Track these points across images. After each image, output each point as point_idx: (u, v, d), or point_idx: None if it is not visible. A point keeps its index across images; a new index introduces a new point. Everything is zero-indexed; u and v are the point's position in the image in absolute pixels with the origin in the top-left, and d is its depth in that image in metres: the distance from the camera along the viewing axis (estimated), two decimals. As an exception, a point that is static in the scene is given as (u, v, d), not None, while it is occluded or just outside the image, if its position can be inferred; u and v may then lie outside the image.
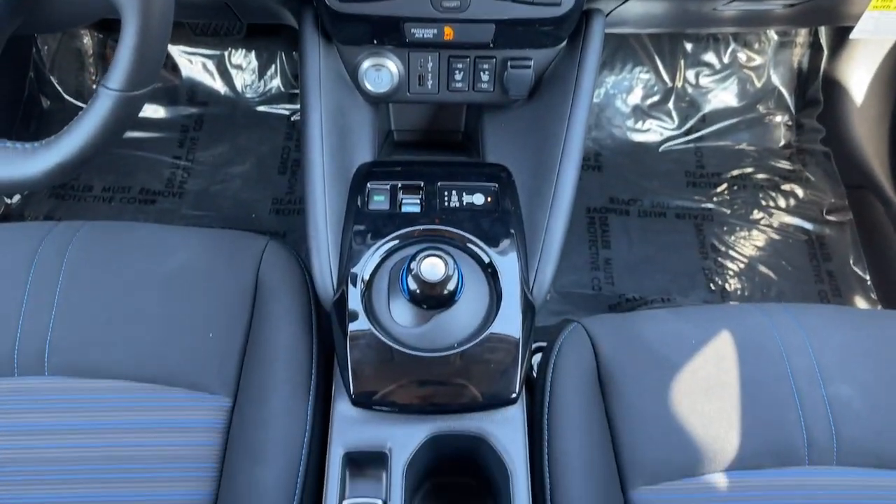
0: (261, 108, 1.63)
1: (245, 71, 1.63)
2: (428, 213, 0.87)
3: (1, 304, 0.85)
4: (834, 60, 1.55)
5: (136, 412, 0.81)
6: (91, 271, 0.88)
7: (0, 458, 0.79)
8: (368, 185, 0.89)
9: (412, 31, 0.86)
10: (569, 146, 0.90)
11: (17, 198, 1.49)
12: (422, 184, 0.89)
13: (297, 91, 1.63)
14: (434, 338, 0.77)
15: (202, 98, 1.62)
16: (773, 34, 1.61)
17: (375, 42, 0.89)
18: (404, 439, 0.77)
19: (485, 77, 0.93)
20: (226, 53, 1.62)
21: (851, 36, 1.00)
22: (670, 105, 1.63)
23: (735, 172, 1.59)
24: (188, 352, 0.84)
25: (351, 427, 0.78)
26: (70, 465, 0.79)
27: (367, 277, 0.80)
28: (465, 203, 0.88)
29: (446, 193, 0.88)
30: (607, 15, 0.97)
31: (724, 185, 1.57)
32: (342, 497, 0.74)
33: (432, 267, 0.73)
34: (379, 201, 0.88)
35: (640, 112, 1.63)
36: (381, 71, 0.91)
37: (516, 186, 0.91)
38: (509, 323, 0.78)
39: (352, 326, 0.77)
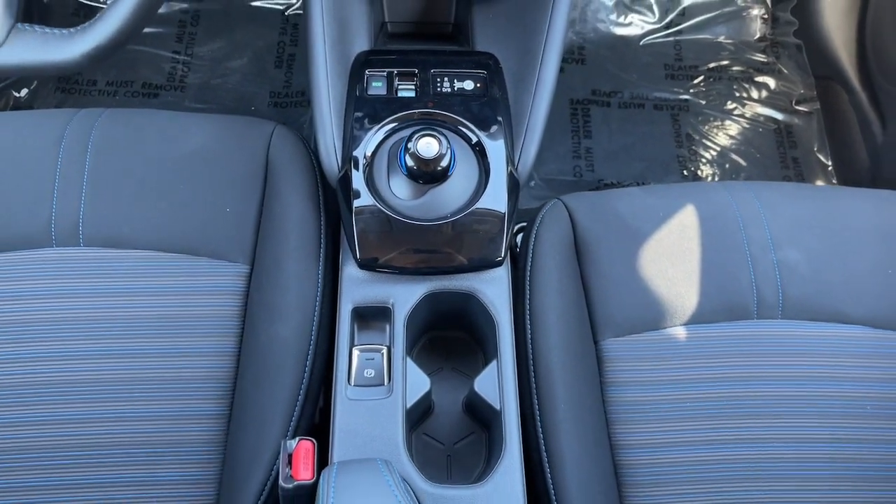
0: (255, 3, 1.67)
1: (238, -34, 1.66)
2: (422, 97, 0.94)
3: (35, 182, 0.94)
4: (809, -46, 1.61)
5: (164, 278, 0.92)
6: (115, 153, 0.96)
7: (43, 317, 0.89)
8: (367, 72, 0.96)
9: None
10: (552, 34, 0.97)
11: (24, 91, 1.55)
12: (416, 71, 0.97)
13: (289, -14, 1.66)
14: (430, 209, 0.87)
15: (198, -6, 1.67)
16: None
17: None
18: (405, 296, 0.88)
19: None
20: (219, -51, 1.65)
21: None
22: (651, 1, 1.69)
23: (712, 65, 1.66)
24: (209, 225, 0.94)
25: (358, 286, 0.89)
26: (106, 322, 0.89)
27: (368, 156, 0.90)
28: (456, 88, 0.96)
29: (439, 79, 0.96)
30: None
31: (701, 78, 1.65)
32: (352, 345, 0.86)
33: (427, 145, 0.82)
34: (377, 87, 0.96)
35: (622, 6, 1.68)
36: (376, -39, 0.97)
37: (503, 73, 0.99)
38: (496, 196, 0.88)
39: (356, 202, 0.87)
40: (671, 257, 0.94)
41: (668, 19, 1.68)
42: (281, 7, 1.67)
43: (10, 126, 0.99)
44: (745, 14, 1.69)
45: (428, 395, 0.84)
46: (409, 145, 0.82)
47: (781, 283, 0.93)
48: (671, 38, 1.68)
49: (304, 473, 0.75)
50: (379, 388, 0.83)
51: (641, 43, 1.68)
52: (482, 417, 0.88)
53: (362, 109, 0.93)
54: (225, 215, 0.95)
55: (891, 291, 0.94)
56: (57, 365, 0.88)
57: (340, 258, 0.92)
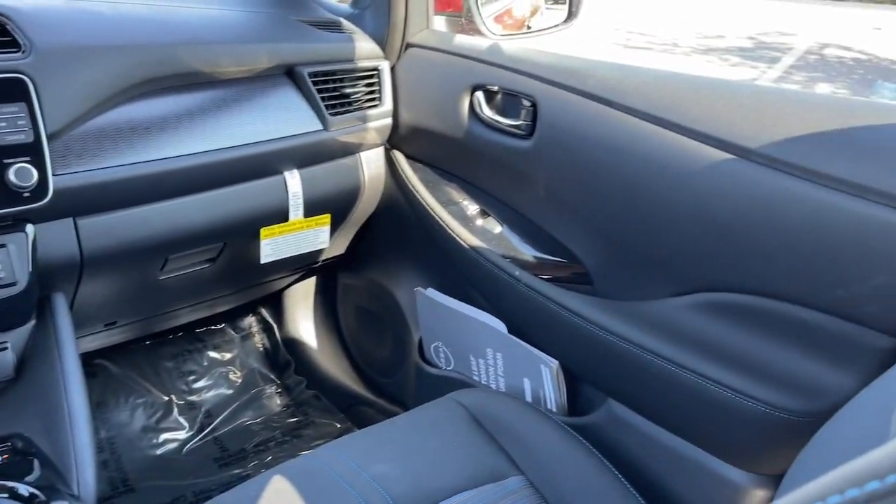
0: None
1: None
2: None
3: None
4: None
5: None
6: None
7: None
8: None
9: None
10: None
11: None
12: None
13: None
14: None
15: None
16: (233, 332, 1.96)
17: None
18: None
19: None
20: None
21: (261, 261, 1.36)
22: (175, 415, 1.79)
23: (257, 441, 1.77)
24: None
25: None
26: None
27: None
28: None
29: None
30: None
31: (253, 456, 1.73)
32: None
33: None
34: None
35: (152, 430, 1.74)
36: None
37: None
38: None
39: None
40: None
41: (197, 426, 1.78)
42: None
43: None
44: (263, 395, 1.90)
45: None
46: None
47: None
48: (210, 437, 1.76)
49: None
50: None
51: (184, 451, 1.72)
52: None
53: None
54: None
55: None
56: None
57: None
